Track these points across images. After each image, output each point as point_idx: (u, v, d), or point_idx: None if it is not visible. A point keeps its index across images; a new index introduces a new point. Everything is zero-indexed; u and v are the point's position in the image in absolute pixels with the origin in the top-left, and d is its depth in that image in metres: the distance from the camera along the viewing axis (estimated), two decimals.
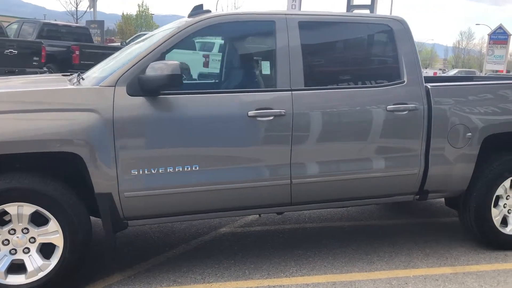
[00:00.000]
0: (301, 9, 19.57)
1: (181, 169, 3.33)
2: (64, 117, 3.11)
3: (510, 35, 33.84)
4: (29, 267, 3.16)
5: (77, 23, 31.53)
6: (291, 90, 3.55)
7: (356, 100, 3.71)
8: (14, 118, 3.03)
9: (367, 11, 17.87)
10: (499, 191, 4.10)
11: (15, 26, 15.87)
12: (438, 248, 4.26)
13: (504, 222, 4.19)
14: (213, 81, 5.74)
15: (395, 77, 3.84)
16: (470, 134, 3.88)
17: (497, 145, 4.08)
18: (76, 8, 36.56)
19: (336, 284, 3.54)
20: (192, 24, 3.48)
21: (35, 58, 12.39)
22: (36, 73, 11.65)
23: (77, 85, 3.48)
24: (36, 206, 3.11)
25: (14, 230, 3.14)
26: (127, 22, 57.05)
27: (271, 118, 3.48)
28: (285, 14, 3.68)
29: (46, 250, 3.21)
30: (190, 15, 3.71)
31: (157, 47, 3.40)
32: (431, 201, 5.47)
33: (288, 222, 4.90)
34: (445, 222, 5.04)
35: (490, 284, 3.61)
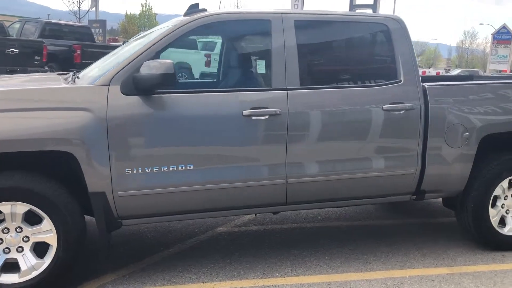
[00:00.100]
0: (304, 9, 19.53)
1: (175, 168, 3.32)
2: (57, 116, 3.10)
3: None
4: (23, 266, 3.16)
5: (79, 22, 31.57)
6: (287, 89, 3.54)
7: (352, 99, 3.69)
8: (7, 117, 3.02)
9: (369, 11, 17.82)
10: (497, 191, 4.07)
11: (17, 26, 15.90)
12: (436, 249, 4.23)
13: (502, 222, 4.16)
14: (208, 80, 5.73)
15: (391, 76, 3.82)
16: (467, 134, 3.86)
17: (495, 145, 4.05)
18: (79, 7, 36.65)
19: (331, 284, 3.53)
20: (187, 23, 3.47)
21: (36, 57, 12.41)
22: (37, 72, 11.67)
23: (71, 84, 3.48)
24: (29, 205, 3.11)
25: (8, 229, 3.14)
26: (130, 22, 57.11)
27: (266, 117, 3.46)
28: (281, 13, 3.66)
29: (39, 249, 3.21)
30: (185, 14, 3.69)
31: (151, 45, 3.39)
32: (429, 201, 5.44)
33: (285, 222, 4.88)
34: (443, 222, 5.01)
35: (487, 285, 3.58)
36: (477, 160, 3.94)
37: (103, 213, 3.24)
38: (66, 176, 3.30)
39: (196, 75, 14.69)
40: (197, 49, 17.03)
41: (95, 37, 19.88)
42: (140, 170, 3.26)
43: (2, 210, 3.08)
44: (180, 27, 3.46)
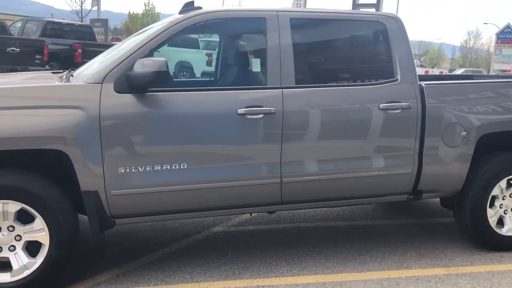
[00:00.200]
0: (306, 7, 19.47)
1: (168, 167, 3.30)
2: (49, 114, 3.08)
3: None
4: (15, 265, 3.14)
5: (81, 21, 31.61)
6: (282, 88, 3.51)
7: (348, 98, 3.65)
8: None
9: (372, 10, 17.75)
10: (495, 191, 4.02)
11: (19, 24, 15.93)
12: (433, 249, 4.19)
13: (500, 222, 4.12)
14: (205, 79, 5.71)
15: (388, 75, 3.78)
16: (465, 133, 3.82)
17: (493, 145, 4.01)
18: (81, 7, 36.72)
19: (326, 285, 3.50)
20: (181, 21, 3.45)
21: (37, 56, 12.43)
22: (38, 71, 11.68)
23: (65, 82, 3.46)
24: (21, 203, 3.09)
25: (0, 228, 3.12)
26: (133, 21, 57.14)
27: (261, 116, 3.43)
28: (277, 11, 3.63)
29: (32, 248, 3.19)
30: (180, 12, 3.67)
31: (145, 43, 3.36)
32: (429, 201, 5.40)
33: (282, 222, 4.85)
34: (442, 222, 4.97)
35: (483, 286, 3.54)
36: (475, 160, 3.90)
37: (96, 212, 3.22)
38: (59, 175, 3.28)
39: (198, 74, 14.68)
40: (199, 48, 17.04)
41: (97, 36, 19.90)
42: (133, 169, 3.23)
43: None
44: (174, 25, 3.44)
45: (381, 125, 3.68)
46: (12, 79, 4.06)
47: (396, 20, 3.87)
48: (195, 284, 3.47)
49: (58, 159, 3.17)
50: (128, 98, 3.22)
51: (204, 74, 10.54)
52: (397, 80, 3.76)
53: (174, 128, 3.30)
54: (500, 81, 4.16)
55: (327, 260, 3.92)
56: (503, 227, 4.11)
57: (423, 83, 3.81)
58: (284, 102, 3.48)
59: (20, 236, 3.15)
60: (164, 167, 3.29)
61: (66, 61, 13.95)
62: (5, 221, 3.11)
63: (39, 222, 3.14)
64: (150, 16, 57.89)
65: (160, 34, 3.40)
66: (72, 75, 3.67)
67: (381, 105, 3.65)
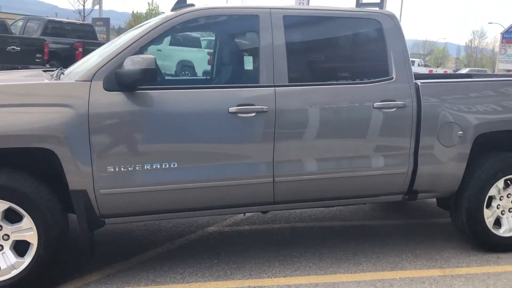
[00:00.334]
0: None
1: (158, 166, 3.25)
2: (37, 112, 3.05)
3: None
4: (2, 265, 3.10)
5: (84, 20, 31.64)
6: (274, 86, 3.46)
7: (341, 96, 3.60)
8: None
9: (376, 9, 17.68)
10: (492, 191, 3.96)
11: (20, 23, 15.94)
12: (429, 250, 4.13)
13: (498, 223, 4.06)
14: (201, 77, 5.66)
15: (383, 73, 3.72)
16: (461, 132, 3.76)
17: (490, 144, 3.95)
18: (84, 6, 36.80)
19: (319, 286, 3.45)
20: (172, 18, 3.40)
21: (37, 55, 12.42)
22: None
23: (55, 80, 3.42)
24: (9, 202, 3.06)
25: None
26: (136, 20, 57.09)
27: (253, 114, 3.38)
28: (270, 8, 3.57)
29: (20, 247, 3.15)
30: (173, 9, 3.63)
31: (135, 40, 3.33)
32: (427, 202, 5.33)
33: (277, 221, 4.81)
34: (440, 223, 4.90)
35: None
36: (471, 160, 3.84)
37: (85, 212, 3.19)
38: (48, 174, 3.25)
39: (200, 73, 14.66)
40: (201, 47, 17.01)
41: (98, 35, 19.90)
42: (122, 168, 3.19)
43: None
44: (164, 22, 3.40)
45: (375, 124, 3.62)
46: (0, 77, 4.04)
47: (391, 17, 3.82)
48: (186, 285, 3.43)
49: (46, 157, 3.13)
50: (117, 96, 3.18)
51: (205, 73, 10.52)
52: (392, 78, 3.70)
53: (164, 126, 3.25)
54: (497, 80, 4.10)
55: (321, 260, 3.87)
56: (500, 228, 4.05)
57: (418, 82, 3.75)
58: (277, 101, 3.43)
59: (8, 236, 3.12)
60: (154, 166, 3.25)
61: (67, 60, 13.92)
62: None
63: (27, 221, 3.10)
64: (153, 15, 57.88)
65: (151, 31, 3.36)
66: (63, 73, 3.63)
67: (376, 104, 3.60)
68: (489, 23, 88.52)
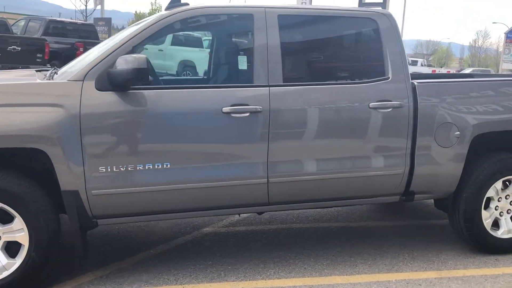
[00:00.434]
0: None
1: (151, 166, 3.22)
2: (29, 112, 3.02)
3: None
4: None
5: (86, 20, 31.69)
6: (269, 86, 3.42)
7: (337, 96, 3.56)
8: None
9: (379, 8, 17.59)
10: (490, 192, 3.91)
11: (22, 23, 15.96)
12: (427, 252, 4.09)
13: (496, 225, 4.01)
14: (196, 77, 5.63)
15: (379, 73, 3.68)
16: (458, 133, 3.71)
17: (487, 145, 3.91)
18: (86, 6, 36.88)
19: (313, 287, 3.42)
20: (165, 18, 3.37)
21: (38, 55, 12.43)
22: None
23: (47, 79, 3.39)
24: (0, 203, 3.03)
25: None
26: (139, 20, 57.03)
27: (247, 114, 3.35)
28: (264, 7, 3.54)
29: (11, 248, 3.13)
30: (167, 8, 3.60)
31: (128, 40, 3.29)
32: (425, 203, 5.28)
33: (274, 222, 4.77)
34: (438, 224, 4.85)
35: None
36: (469, 160, 3.79)
37: (77, 212, 3.16)
38: (40, 174, 3.22)
39: (201, 73, 14.65)
40: (203, 47, 16.98)
41: (100, 35, 19.91)
42: (114, 169, 3.16)
43: None
44: (158, 21, 3.37)
45: (371, 124, 3.58)
46: None
47: (388, 17, 3.77)
48: (179, 286, 3.39)
49: (38, 158, 3.11)
50: (109, 96, 3.15)
51: (201, 72, 10.51)
52: (389, 78, 3.66)
53: (157, 126, 3.22)
54: (495, 80, 4.05)
55: (317, 262, 3.84)
56: (498, 230, 4.00)
57: (415, 81, 3.71)
58: (271, 101, 3.40)
59: None
60: (147, 167, 3.22)
61: (68, 60, 13.89)
62: None
63: (18, 222, 3.08)
64: None
65: (143, 30, 3.33)
66: (56, 73, 3.60)
67: (371, 104, 3.56)
68: (493, 22, 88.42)
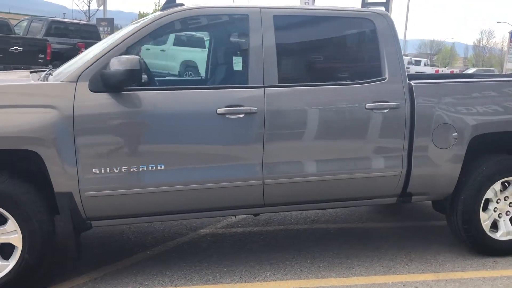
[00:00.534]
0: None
1: (145, 168, 3.21)
2: (21, 114, 3.01)
3: None
4: None
5: (88, 21, 31.75)
6: (264, 87, 3.40)
7: (332, 97, 3.54)
8: None
9: (382, 9, 17.54)
10: (489, 194, 3.87)
11: (24, 24, 16.00)
12: (424, 254, 4.05)
13: (494, 226, 3.97)
14: (194, 77, 5.61)
15: (376, 74, 3.65)
16: (456, 134, 3.68)
17: (485, 146, 3.87)
18: (89, 6, 36.98)
19: None
20: (160, 18, 3.35)
21: (40, 56, 12.45)
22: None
23: (42, 80, 3.38)
24: None
25: None
26: None
27: (242, 116, 3.33)
28: (260, 8, 3.52)
29: (4, 250, 3.12)
30: (162, 9, 3.59)
31: (122, 41, 3.28)
32: (423, 204, 5.24)
33: (272, 224, 4.75)
34: (436, 226, 4.81)
35: None
36: (467, 162, 3.76)
37: (70, 214, 3.15)
38: (34, 176, 3.21)
39: (202, 74, 14.65)
40: (205, 48, 16.97)
41: (103, 35, 19.92)
42: (108, 170, 3.15)
43: None
44: (153, 21, 3.35)
45: (367, 125, 3.55)
46: None
47: (385, 17, 3.75)
48: None
49: (32, 159, 3.09)
50: (103, 97, 3.13)
51: (198, 73, 10.49)
52: (385, 79, 3.63)
53: (151, 128, 3.21)
54: (493, 81, 4.02)
55: (313, 264, 3.81)
56: (497, 231, 3.96)
57: (412, 82, 3.68)
58: (266, 102, 3.37)
59: None
60: (140, 168, 3.20)
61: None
62: None
63: (12, 224, 3.07)
64: None
65: (138, 31, 3.31)
66: (51, 74, 3.59)
67: (368, 105, 3.53)
68: (497, 22, 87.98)
